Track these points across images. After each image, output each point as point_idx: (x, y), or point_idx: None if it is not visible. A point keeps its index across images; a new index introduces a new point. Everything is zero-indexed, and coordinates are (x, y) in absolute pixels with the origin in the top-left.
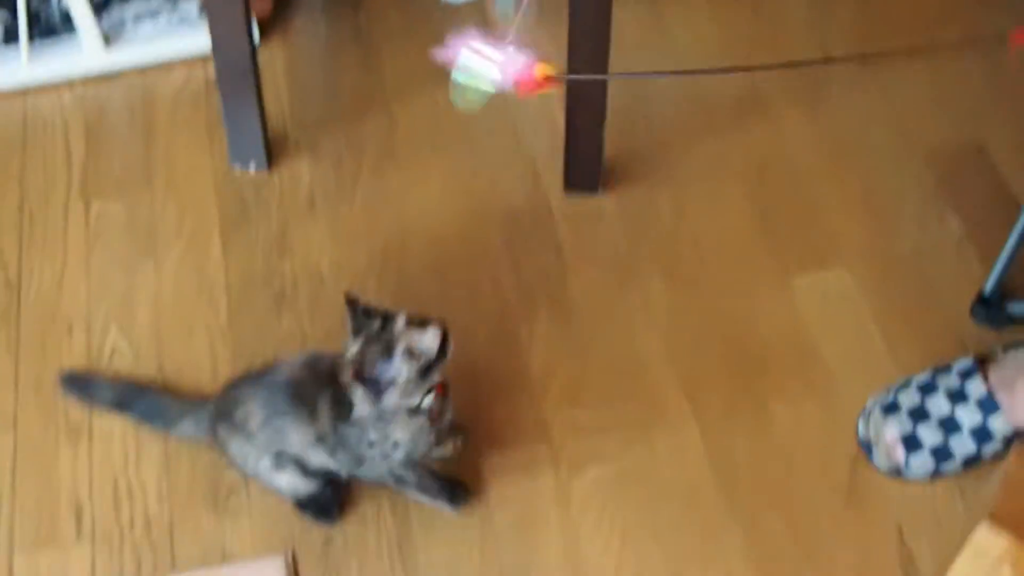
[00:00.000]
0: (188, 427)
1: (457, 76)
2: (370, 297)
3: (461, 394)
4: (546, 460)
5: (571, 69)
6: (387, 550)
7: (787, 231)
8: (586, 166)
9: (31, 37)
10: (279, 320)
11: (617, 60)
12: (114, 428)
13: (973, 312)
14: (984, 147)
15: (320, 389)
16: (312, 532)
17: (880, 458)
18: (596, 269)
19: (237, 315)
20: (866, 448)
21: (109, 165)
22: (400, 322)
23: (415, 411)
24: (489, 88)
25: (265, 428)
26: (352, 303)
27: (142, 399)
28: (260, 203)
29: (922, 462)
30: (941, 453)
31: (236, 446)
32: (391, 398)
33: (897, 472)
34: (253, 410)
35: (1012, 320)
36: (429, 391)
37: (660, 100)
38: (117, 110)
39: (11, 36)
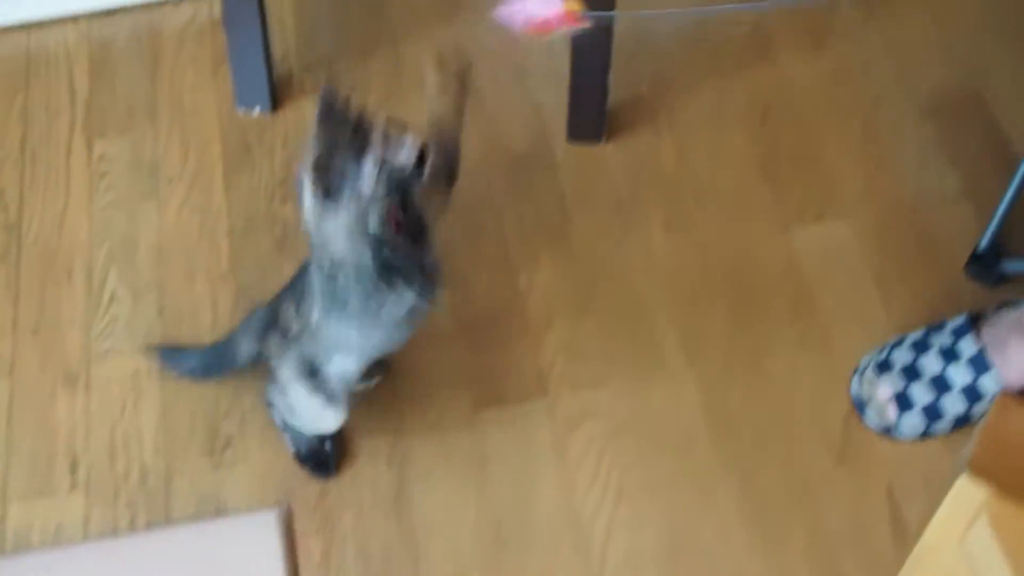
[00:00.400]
0: (247, 348)
1: None
2: None
3: (461, 342)
4: (542, 413)
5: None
6: (383, 503)
7: (787, 179)
8: (590, 115)
9: None
10: (280, 266)
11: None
12: (112, 375)
13: (967, 268)
14: (983, 96)
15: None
16: (308, 485)
17: (872, 416)
18: (597, 217)
19: (238, 260)
20: (859, 406)
21: (113, 102)
22: (377, 128)
23: (364, 232)
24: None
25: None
26: (327, 94)
27: (222, 358)
28: (264, 145)
29: (913, 422)
30: (932, 412)
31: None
32: (342, 209)
33: (888, 431)
34: (291, 311)
35: (1006, 277)
36: (383, 211)
37: (664, 46)
38: (121, 46)
39: None
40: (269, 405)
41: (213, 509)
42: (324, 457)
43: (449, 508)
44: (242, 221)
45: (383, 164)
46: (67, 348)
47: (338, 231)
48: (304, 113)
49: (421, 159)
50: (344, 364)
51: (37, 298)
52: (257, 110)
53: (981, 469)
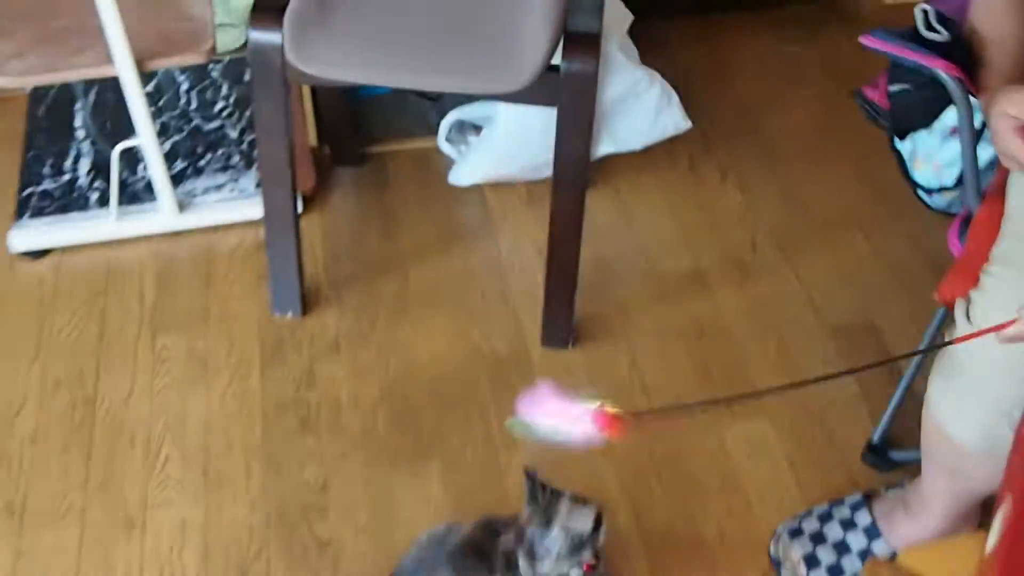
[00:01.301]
0: None
1: (516, 427)
2: (378, 422)
3: (448, 506)
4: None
5: (551, 244)
6: None
7: (719, 383)
8: (559, 326)
9: (120, 202)
10: (303, 440)
11: (589, 238)
12: (163, 522)
13: (864, 457)
14: (875, 323)
15: (495, 550)
16: None
17: (787, 573)
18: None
19: (269, 435)
20: (776, 564)
21: (174, 306)
22: (564, 499)
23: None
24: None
25: None
26: (531, 477)
27: None
28: (294, 344)
29: None
30: (835, 570)
31: None
32: (545, 566)
33: None
34: (439, 572)
35: (894, 464)
36: (579, 565)
37: (621, 274)
38: (183, 262)
39: (104, 200)
40: None
41: None
42: None
43: None
44: (273, 404)
45: (568, 529)
46: (128, 500)
47: None
48: (326, 319)
49: (598, 523)
50: None
51: (106, 460)
52: (289, 315)
53: None
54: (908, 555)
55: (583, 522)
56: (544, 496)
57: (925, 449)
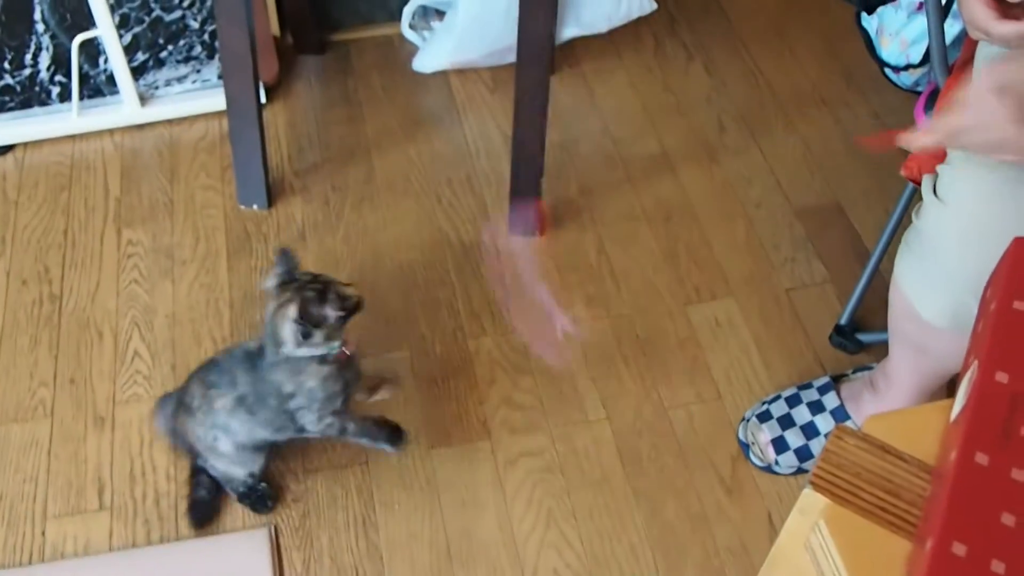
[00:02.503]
0: (166, 415)
1: None
2: None
3: (420, 394)
4: (486, 452)
5: (516, 129)
6: (352, 525)
7: (687, 267)
8: (526, 212)
9: (81, 96)
10: None
11: (555, 122)
12: (133, 417)
13: (831, 339)
14: (841, 205)
15: (238, 363)
16: (292, 509)
17: (755, 456)
18: (531, 295)
19: (237, 327)
20: (744, 448)
21: (139, 200)
22: (329, 276)
23: (323, 359)
24: None
25: (202, 406)
26: (285, 252)
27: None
28: (260, 235)
29: (788, 461)
30: (803, 453)
31: (190, 426)
32: (317, 339)
33: (768, 468)
34: (195, 392)
35: (861, 346)
36: (338, 342)
37: (587, 158)
38: (147, 155)
39: (66, 95)
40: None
41: (214, 528)
42: (260, 495)
43: (407, 529)
44: (240, 295)
45: (340, 300)
46: (97, 395)
47: (307, 371)
48: (292, 209)
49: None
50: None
51: (74, 355)
52: (255, 206)
53: (821, 482)
54: (872, 423)
55: (351, 294)
56: (305, 274)
57: (892, 328)
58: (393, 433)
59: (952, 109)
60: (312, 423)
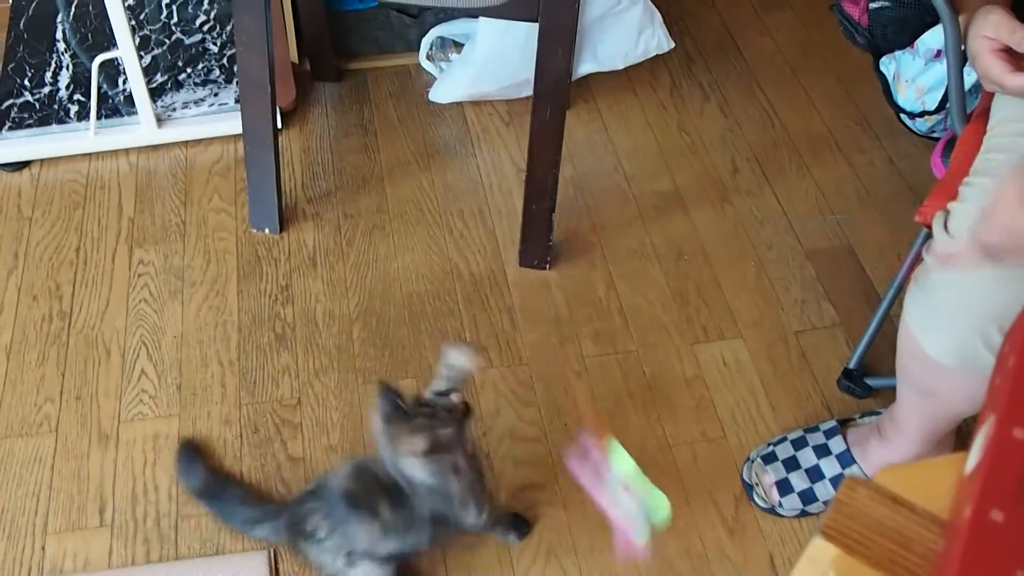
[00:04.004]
0: (266, 532)
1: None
2: (354, 338)
3: None
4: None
5: (530, 162)
6: None
7: (696, 306)
8: (537, 246)
9: (100, 115)
10: (278, 356)
11: (568, 157)
12: (136, 437)
13: (839, 383)
14: (852, 248)
15: (373, 492)
16: None
17: (759, 498)
18: (540, 329)
19: (244, 350)
20: (748, 489)
21: (152, 220)
22: (427, 392)
23: (455, 467)
24: None
25: (332, 535)
26: (387, 388)
27: (221, 497)
28: (271, 259)
29: (792, 504)
30: (808, 496)
31: (313, 554)
32: (445, 461)
33: (772, 510)
34: (319, 522)
35: (869, 390)
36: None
37: (600, 194)
38: (162, 176)
39: (83, 113)
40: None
41: (214, 549)
42: None
43: None
44: (249, 319)
45: (453, 411)
46: (103, 413)
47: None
48: (303, 234)
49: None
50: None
51: (81, 372)
52: (267, 230)
53: (832, 532)
54: (885, 474)
55: (456, 400)
56: (404, 401)
57: (900, 368)
58: (519, 522)
59: (985, 223)
60: (475, 516)
